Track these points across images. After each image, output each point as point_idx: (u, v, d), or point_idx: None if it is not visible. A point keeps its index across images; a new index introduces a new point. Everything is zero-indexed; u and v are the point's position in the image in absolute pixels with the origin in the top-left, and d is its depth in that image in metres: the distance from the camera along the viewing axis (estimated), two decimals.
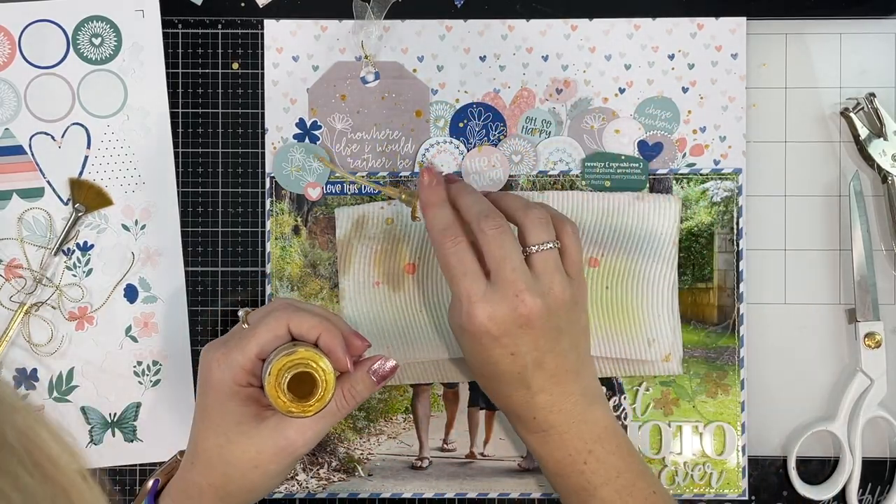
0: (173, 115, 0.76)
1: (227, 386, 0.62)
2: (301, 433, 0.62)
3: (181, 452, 0.66)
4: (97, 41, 0.75)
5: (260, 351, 0.61)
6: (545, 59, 0.76)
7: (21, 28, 0.75)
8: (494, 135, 0.76)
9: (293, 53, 0.76)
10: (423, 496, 0.75)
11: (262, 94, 0.76)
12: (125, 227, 0.76)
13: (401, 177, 0.76)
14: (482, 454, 0.76)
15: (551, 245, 0.65)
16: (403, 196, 0.70)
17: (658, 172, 0.75)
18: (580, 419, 0.65)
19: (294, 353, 0.60)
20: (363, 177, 0.74)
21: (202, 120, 0.76)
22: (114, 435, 0.76)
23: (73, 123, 0.76)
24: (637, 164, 0.75)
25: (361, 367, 0.64)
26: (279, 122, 0.76)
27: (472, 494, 0.75)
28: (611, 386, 0.75)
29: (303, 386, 0.60)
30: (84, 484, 0.39)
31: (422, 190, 0.67)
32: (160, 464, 0.75)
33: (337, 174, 0.74)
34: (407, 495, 0.75)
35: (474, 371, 0.68)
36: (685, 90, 0.76)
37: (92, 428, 0.76)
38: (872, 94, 0.75)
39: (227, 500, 0.63)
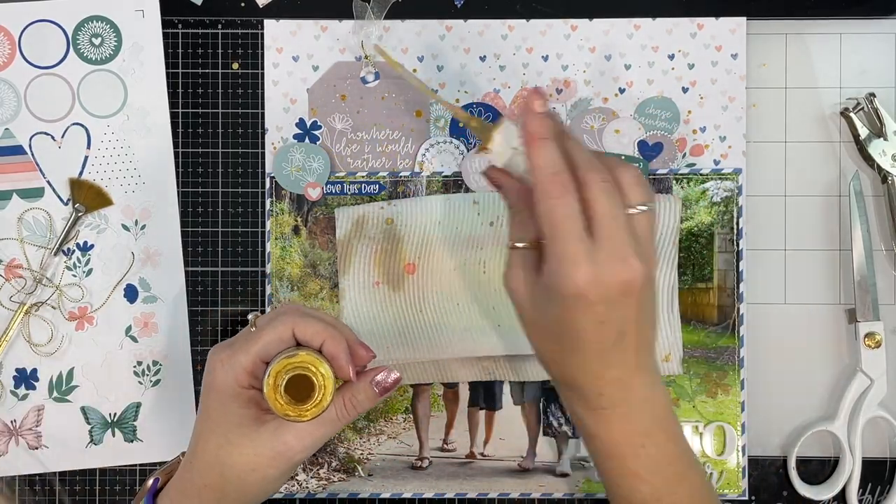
0: (173, 115, 0.76)
1: (228, 387, 0.61)
2: (300, 439, 0.61)
3: (183, 453, 0.66)
4: (97, 41, 0.75)
5: (263, 353, 0.61)
6: (545, 59, 0.76)
7: (21, 28, 0.75)
8: None
9: (293, 53, 0.76)
10: (423, 496, 0.75)
11: (262, 94, 0.76)
12: (125, 227, 0.76)
13: (401, 177, 0.76)
14: (482, 454, 0.76)
15: (647, 208, 0.59)
16: (473, 122, 0.63)
17: (658, 172, 0.75)
18: (644, 397, 0.61)
19: (294, 357, 0.60)
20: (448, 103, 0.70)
21: (202, 120, 0.76)
22: (114, 435, 0.76)
23: (73, 123, 0.76)
24: (637, 165, 0.75)
25: (364, 377, 0.63)
26: (279, 122, 0.76)
27: (472, 494, 0.75)
28: None
29: (302, 390, 0.60)
30: None
31: (530, 117, 0.58)
32: (160, 464, 0.75)
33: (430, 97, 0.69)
34: (407, 495, 0.75)
35: (541, 337, 0.62)
36: (685, 90, 0.76)
37: (92, 428, 0.76)
38: (872, 94, 0.75)
39: (223, 502, 0.63)
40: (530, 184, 0.58)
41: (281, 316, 0.62)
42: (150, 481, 0.65)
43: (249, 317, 0.64)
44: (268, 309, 0.75)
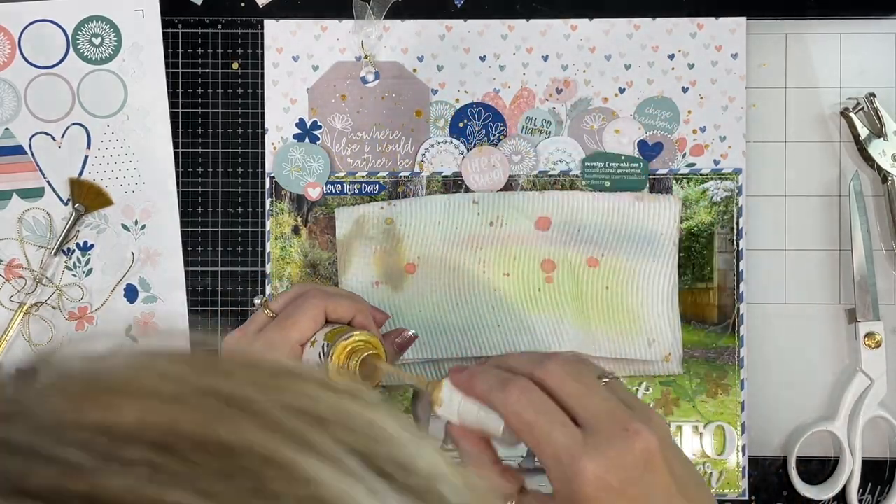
0: (173, 115, 0.76)
1: None
2: None
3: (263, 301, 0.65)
4: (97, 41, 0.75)
5: (302, 338, 0.62)
6: (545, 59, 0.76)
7: (21, 28, 0.75)
8: (494, 135, 0.76)
9: (293, 53, 0.76)
10: None
11: (262, 94, 0.76)
12: (125, 227, 0.76)
13: (401, 177, 0.76)
14: None
15: (612, 376, 0.53)
16: (428, 386, 0.59)
17: (658, 172, 0.75)
18: None
19: (353, 337, 0.60)
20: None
21: (202, 120, 0.76)
22: None
23: (73, 123, 0.76)
24: (637, 164, 0.75)
25: (387, 339, 0.66)
26: (279, 122, 0.76)
27: None
28: None
29: (362, 367, 0.60)
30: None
31: (468, 381, 0.55)
32: None
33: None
34: None
35: None
36: (685, 90, 0.76)
37: None
38: (872, 94, 0.75)
39: None
40: (489, 430, 0.54)
41: (308, 298, 0.62)
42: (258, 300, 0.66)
43: (257, 301, 0.64)
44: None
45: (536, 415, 0.50)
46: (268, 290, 0.75)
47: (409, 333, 0.68)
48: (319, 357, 0.61)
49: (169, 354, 0.32)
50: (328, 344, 0.60)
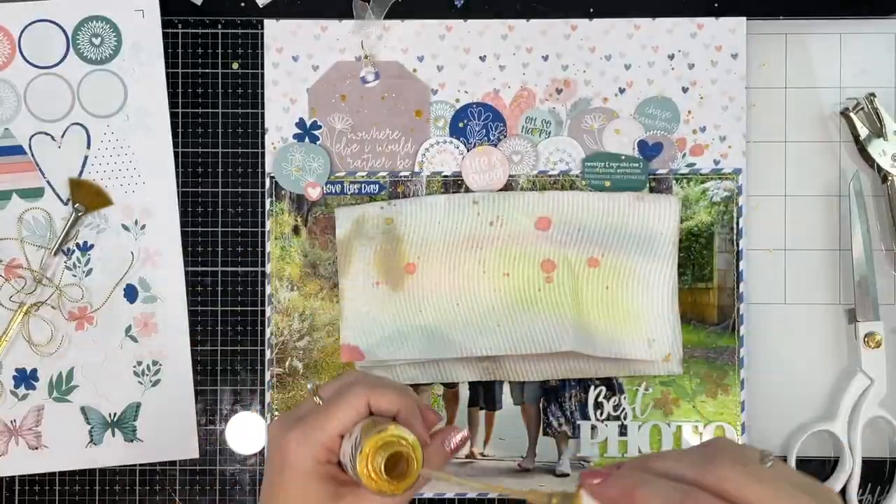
0: (173, 115, 0.76)
1: (308, 465, 0.59)
2: None
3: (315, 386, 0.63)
4: (97, 41, 0.75)
5: (342, 429, 0.59)
6: (545, 59, 0.76)
7: (21, 28, 0.75)
8: (494, 135, 0.76)
9: (293, 53, 0.76)
10: (424, 496, 0.75)
11: (262, 94, 0.76)
12: (125, 227, 0.76)
13: (401, 177, 0.76)
14: (482, 454, 0.76)
15: (770, 453, 0.48)
16: (553, 500, 0.53)
17: (658, 172, 0.75)
18: None
19: (385, 431, 0.57)
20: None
21: (202, 120, 0.76)
22: (114, 435, 0.76)
23: (73, 123, 0.76)
24: (637, 164, 0.75)
25: (436, 439, 0.62)
26: (279, 122, 0.76)
27: (471, 494, 0.75)
28: (611, 386, 0.75)
29: (394, 463, 0.57)
30: None
31: (606, 485, 0.51)
32: (160, 464, 0.75)
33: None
34: None
35: None
36: (685, 90, 0.76)
37: (92, 428, 0.76)
38: (872, 94, 0.75)
39: None
40: None
41: (352, 388, 0.60)
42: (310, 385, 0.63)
43: (309, 386, 0.61)
44: (268, 309, 0.75)
45: None
46: (268, 289, 0.75)
47: (462, 435, 0.62)
48: (352, 450, 0.58)
49: None
50: (361, 436, 0.57)
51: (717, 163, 0.75)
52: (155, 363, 0.76)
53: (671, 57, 0.76)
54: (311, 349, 0.75)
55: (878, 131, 0.75)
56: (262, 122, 0.76)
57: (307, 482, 0.59)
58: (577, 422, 0.75)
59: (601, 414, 0.75)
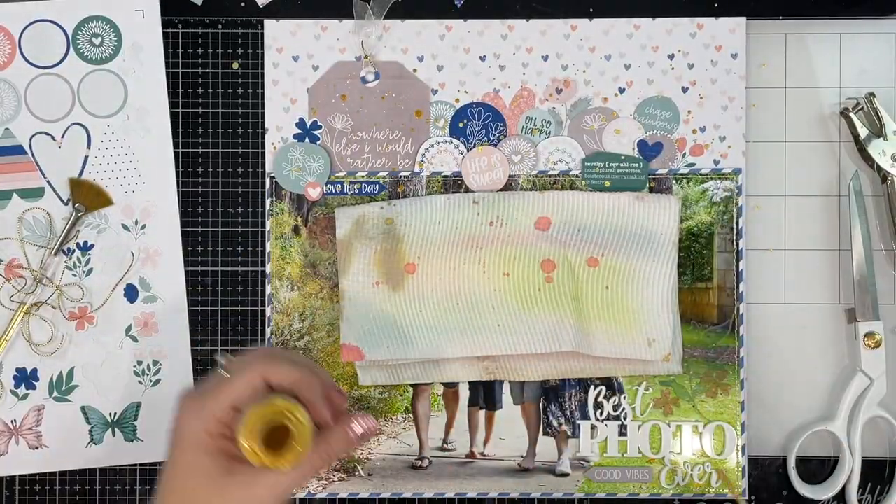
0: (173, 115, 0.76)
1: (198, 437, 0.58)
2: (271, 490, 0.58)
3: (225, 358, 0.62)
4: (97, 41, 0.75)
5: (234, 401, 0.58)
6: (545, 59, 0.76)
7: (21, 28, 0.75)
8: (494, 135, 0.76)
9: (293, 53, 0.76)
10: (423, 496, 0.75)
11: (262, 94, 0.76)
12: (125, 227, 0.76)
13: (401, 177, 0.76)
14: (482, 454, 0.76)
15: None
16: None
17: (658, 172, 0.75)
18: None
19: (269, 405, 0.57)
20: None
21: (202, 120, 0.76)
22: (114, 435, 0.76)
23: (73, 123, 0.76)
24: (637, 164, 0.75)
25: (341, 422, 0.60)
26: (279, 122, 0.76)
27: (472, 494, 0.75)
28: (611, 386, 0.75)
29: (279, 438, 0.57)
30: None
31: None
32: (160, 464, 0.75)
33: None
34: (407, 495, 0.75)
35: None
36: (685, 90, 0.76)
37: (92, 428, 0.76)
38: (872, 94, 0.75)
39: None
40: None
41: (252, 362, 0.59)
42: (222, 360, 0.61)
43: (219, 359, 0.60)
44: (268, 309, 0.75)
45: None
46: (268, 289, 0.75)
47: (366, 424, 0.60)
48: (238, 423, 0.57)
49: None
50: (243, 409, 0.57)
51: (716, 163, 0.75)
52: (155, 363, 0.76)
53: (671, 57, 0.76)
54: (311, 349, 0.75)
55: (878, 131, 0.75)
56: (262, 122, 0.76)
57: (197, 454, 0.58)
58: (577, 421, 0.75)
59: (601, 414, 0.75)
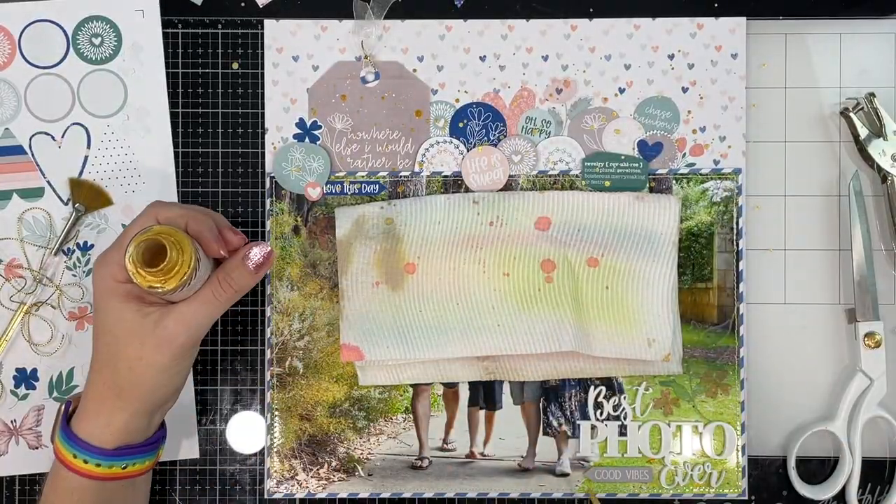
0: (173, 115, 0.76)
1: (107, 284, 0.64)
2: (181, 322, 0.63)
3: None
4: (97, 41, 0.75)
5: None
6: (545, 59, 0.76)
7: (21, 28, 0.75)
8: (494, 135, 0.76)
9: (293, 53, 0.76)
10: (423, 496, 0.75)
11: (262, 94, 0.76)
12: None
13: (401, 177, 0.76)
14: (482, 454, 0.76)
15: None
16: None
17: (658, 172, 0.75)
18: None
19: (149, 230, 0.62)
20: None
21: (202, 120, 0.76)
22: None
23: (73, 123, 0.76)
24: (637, 164, 0.75)
25: (236, 253, 0.66)
26: (279, 122, 0.76)
27: (471, 494, 0.75)
28: (611, 386, 0.75)
29: (161, 259, 0.61)
30: None
31: None
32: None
33: None
34: (407, 495, 0.75)
35: None
36: (685, 90, 0.76)
37: None
38: (872, 94, 0.75)
39: (122, 395, 0.64)
40: None
41: (146, 209, 0.65)
42: (62, 405, 0.67)
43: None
44: (268, 309, 0.75)
45: None
46: (268, 289, 0.75)
47: (264, 250, 0.66)
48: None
49: None
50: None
51: (717, 163, 0.75)
52: None
53: (671, 57, 0.76)
54: (311, 349, 0.75)
55: (878, 131, 0.75)
56: (262, 122, 0.76)
57: (109, 300, 0.64)
58: (577, 422, 0.75)
59: (601, 414, 0.75)
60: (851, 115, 0.75)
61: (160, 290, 0.62)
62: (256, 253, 0.65)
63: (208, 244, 0.65)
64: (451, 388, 0.76)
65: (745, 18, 0.75)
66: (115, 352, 0.64)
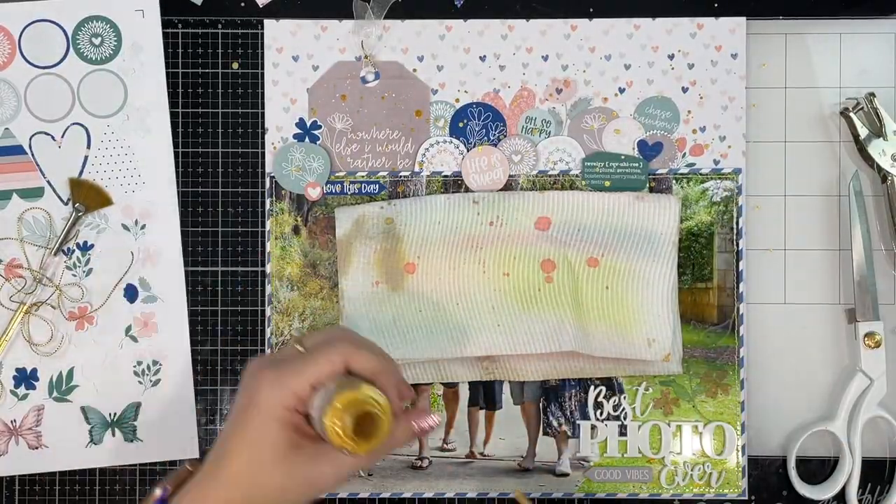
0: (173, 115, 0.76)
1: (274, 408, 0.59)
2: (336, 469, 0.59)
3: (190, 462, 0.64)
4: (97, 41, 0.75)
5: (316, 380, 0.59)
6: (545, 59, 0.76)
7: (21, 28, 0.75)
8: (494, 135, 0.76)
9: (293, 53, 0.76)
10: (423, 496, 0.75)
11: (262, 94, 0.76)
12: (125, 227, 0.76)
13: (401, 177, 0.76)
14: (482, 454, 0.76)
15: None
16: None
17: (658, 172, 0.75)
18: None
19: (359, 389, 0.57)
20: None
21: (202, 120, 0.76)
22: (114, 435, 0.76)
23: (73, 123, 0.76)
24: (637, 164, 0.75)
25: (407, 415, 0.61)
26: (279, 122, 0.76)
27: (471, 494, 0.75)
28: (611, 386, 0.75)
29: (359, 423, 0.57)
30: None
31: None
32: (160, 464, 0.75)
33: None
34: (407, 495, 0.75)
35: None
36: (685, 90, 0.76)
37: (92, 428, 0.76)
38: (872, 94, 0.75)
39: None
40: None
41: (335, 343, 0.60)
42: (159, 490, 0.62)
43: (295, 333, 0.61)
44: (268, 309, 0.75)
45: None
46: (268, 289, 0.75)
47: (433, 420, 0.62)
48: (322, 403, 0.58)
49: None
50: (335, 390, 0.57)
51: (716, 163, 0.75)
52: (155, 363, 0.76)
53: (671, 57, 0.76)
54: None
55: (878, 131, 0.75)
56: (262, 122, 0.76)
57: (269, 423, 0.59)
58: (577, 421, 0.75)
59: (601, 414, 0.75)
60: (851, 115, 0.75)
61: (348, 452, 0.57)
62: (428, 422, 0.62)
63: (392, 402, 0.60)
64: (451, 387, 0.76)
65: (745, 18, 0.75)
66: (257, 479, 0.59)
